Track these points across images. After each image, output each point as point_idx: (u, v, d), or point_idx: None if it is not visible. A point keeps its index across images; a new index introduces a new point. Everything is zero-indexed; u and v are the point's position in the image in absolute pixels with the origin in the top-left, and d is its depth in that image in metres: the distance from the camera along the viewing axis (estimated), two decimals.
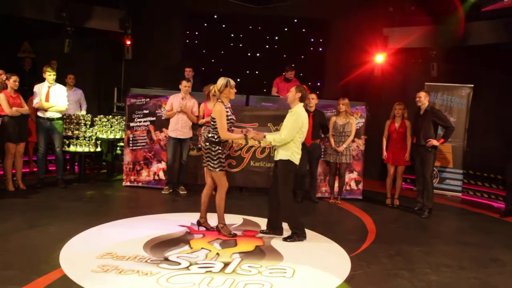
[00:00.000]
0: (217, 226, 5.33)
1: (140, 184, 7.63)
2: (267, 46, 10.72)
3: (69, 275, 3.90)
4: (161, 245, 4.79)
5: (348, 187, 7.72)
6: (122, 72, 10.69)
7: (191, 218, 5.71)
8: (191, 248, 4.78)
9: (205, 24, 10.81)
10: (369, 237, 5.66)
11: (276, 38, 10.69)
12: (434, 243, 5.65)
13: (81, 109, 8.61)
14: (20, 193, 6.70)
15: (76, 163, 8.33)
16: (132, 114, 7.59)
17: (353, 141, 7.32)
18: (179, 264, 4.30)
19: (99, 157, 8.76)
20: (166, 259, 4.40)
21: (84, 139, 7.77)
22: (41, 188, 7.00)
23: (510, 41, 8.15)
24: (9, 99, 6.56)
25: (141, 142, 7.61)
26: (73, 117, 7.81)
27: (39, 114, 7.01)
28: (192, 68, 8.69)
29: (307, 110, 7.07)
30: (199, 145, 7.22)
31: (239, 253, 4.72)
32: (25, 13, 8.89)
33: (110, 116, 8.33)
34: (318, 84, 10.58)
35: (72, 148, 7.72)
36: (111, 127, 8.15)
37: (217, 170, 5.15)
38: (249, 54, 10.77)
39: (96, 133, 8.02)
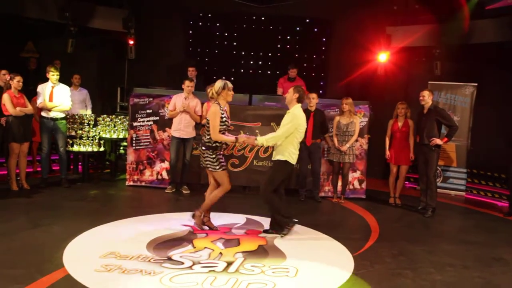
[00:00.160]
0: (194, 214, 5.41)
1: (143, 184, 7.64)
2: (270, 46, 10.71)
3: (72, 275, 3.91)
4: (164, 245, 4.79)
5: (351, 186, 7.71)
6: (125, 71, 10.70)
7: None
8: (194, 247, 4.79)
9: (208, 24, 10.81)
10: (372, 236, 5.65)
11: (279, 37, 10.68)
12: (438, 242, 5.63)
13: (86, 109, 8.64)
14: (24, 192, 6.73)
15: (80, 163, 8.36)
16: (135, 114, 7.60)
17: (356, 140, 7.31)
18: (182, 263, 4.30)
19: (102, 157, 8.77)
20: (169, 259, 4.40)
21: (88, 139, 7.79)
22: (44, 187, 7.03)
23: None
24: (13, 99, 6.58)
25: (144, 142, 7.62)
26: (76, 117, 7.83)
27: (43, 114, 7.03)
28: (195, 67, 8.69)
29: (307, 110, 7.12)
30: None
31: (242, 252, 4.72)
32: (28, 13, 8.91)
33: (114, 116, 8.34)
34: (321, 83, 10.56)
35: (75, 148, 7.74)
36: (115, 126, 8.17)
37: (219, 170, 5.19)
38: (252, 53, 10.77)
39: (99, 133, 8.03)
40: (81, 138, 7.77)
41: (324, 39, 10.63)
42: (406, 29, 9.53)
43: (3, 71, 7.06)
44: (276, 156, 5.28)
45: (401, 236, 5.79)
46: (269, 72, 10.58)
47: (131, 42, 9.94)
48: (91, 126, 7.91)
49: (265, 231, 5.47)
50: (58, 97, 7.03)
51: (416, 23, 9.48)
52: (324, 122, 7.28)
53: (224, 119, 5.17)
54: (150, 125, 7.60)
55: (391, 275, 4.40)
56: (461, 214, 7.54)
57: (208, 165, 5.23)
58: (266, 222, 5.67)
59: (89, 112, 8.53)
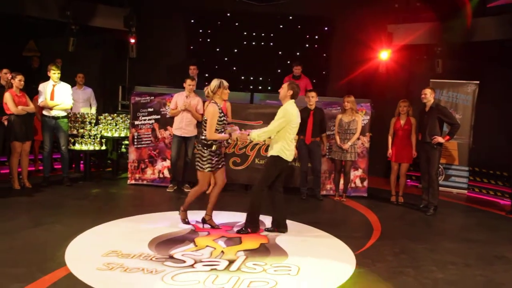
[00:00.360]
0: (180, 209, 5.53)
1: (145, 182, 7.65)
2: (271, 44, 10.70)
3: (74, 273, 3.92)
4: (166, 243, 4.80)
5: (353, 185, 7.71)
6: (126, 70, 10.70)
7: (196, 216, 5.72)
8: (196, 246, 4.79)
9: (209, 22, 10.80)
10: (374, 234, 5.65)
11: (280, 35, 10.66)
12: (440, 241, 5.62)
13: (91, 108, 8.65)
14: (26, 191, 6.74)
15: (82, 162, 8.36)
16: (137, 112, 7.61)
17: (358, 138, 7.29)
18: (184, 262, 4.30)
19: (104, 156, 8.78)
20: (171, 257, 4.41)
21: (89, 138, 7.80)
22: (46, 186, 7.04)
23: None
24: (14, 98, 6.59)
25: (146, 140, 7.62)
26: (78, 115, 7.84)
27: (44, 112, 7.04)
28: (197, 66, 8.69)
29: (307, 108, 7.11)
30: None
31: (244, 250, 4.72)
32: (29, 11, 8.91)
33: (115, 115, 8.35)
34: (323, 81, 10.54)
35: (77, 147, 7.75)
36: (116, 125, 8.17)
37: (206, 170, 5.21)
38: (253, 51, 10.75)
39: (101, 131, 8.04)
40: (82, 136, 7.77)
41: (325, 37, 10.61)
42: (407, 27, 9.50)
43: (5, 70, 7.06)
44: (270, 152, 5.31)
45: (403, 234, 5.78)
46: (269, 70, 10.56)
47: (132, 40, 9.93)
48: (93, 124, 7.92)
49: (267, 229, 5.47)
50: (59, 95, 7.03)
51: (418, 21, 9.45)
52: (323, 120, 7.26)
53: (222, 118, 5.18)
54: (152, 123, 7.60)
55: (393, 273, 4.40)
56: (463, 212, 7.52)
57: (197, 162, 5.26)
58: (267, 220, 5.66)
59: (93, 111, 8.54)
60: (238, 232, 5.31)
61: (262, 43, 10.69)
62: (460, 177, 8.69)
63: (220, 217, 5.71)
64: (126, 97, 10.04)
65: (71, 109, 7.39)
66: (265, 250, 4.82)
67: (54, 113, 7.03)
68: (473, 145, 8.65)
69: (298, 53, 10.51)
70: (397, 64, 9.72)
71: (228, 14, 10.68)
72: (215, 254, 4.56)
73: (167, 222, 5.55)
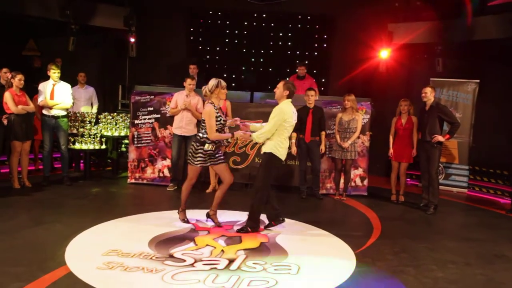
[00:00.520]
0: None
1: (145, 181, 7.65)
2: (271, 43, 10.71)
3: (74, 272, 3.92)
4: (166, 242, 4.80)
5: (353, 184, 7.70)
6: (126, 69, 10.70)
7: (196, 215, 5.72)
8: (196, 245, 4.79)
9: (209, 21, 10.81)
10: (374, 233, 5.65)
11: (280, 34, 10.67)
12: (440, 240, 5.62)
13: (92, 107, 8.64)
14: (26, 190, 6.74)
15: (82, 161, 8.36)
16: (137, 112, 7.61)
17: (358, 137, 7.28)
18: (184, 261, 4.30)
19: (104, 155, 8.78)
20: (171, 256, 4.41)
21: (89, 137, 7.80)
22: (46, 185, 7.04)
23: None
24: (14, 97, 6.59)
25: (146, 140, 7.62)
26: (78, 114, 7.84)
27: (44, 112, 7.04)
28: (197, 65, 8.68)
29: (306, 107, 7.10)
30: None
31: (244, 250, 4.72)
32: (29, 11, 8.90)
33: (115, 114, 8.35)
34: (323, 80, 10.54)
35: (77, 146, 7.75)
36: (116, 124, 8.17)
37: (197, 165, 5.30)
38: (253, 50, 10.76)
39: (101, 131, 8.04)
40: (82, 136, 7.77)
41: (325, 36, 10.61)
42: (407, 25, 9.49)
43: (4, 69, 7.06)
44: (263, 149, 5.29)
45: (403, 233, 5.78)
46: (270, 69, 10.56)
47: (132, 40, 9.93)
48: (93, 124, 7.92)
49: (266, 227, 5.47)
50: (59, 95, 7.03)
51: (418, 19, 9.43)
52: (322, 119, 7.24)
53: (219, 118, 5.19)
54: (152, 122, 7.60)
55: (393, 272, 4.40)
56: (463, 211, 7.52)
57: (189, 156, 5.36)
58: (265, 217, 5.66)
59: (94, 110, 8.53)
60: (238, 231, 5.31)
61: (263, 42, 10.68)
62: (460, 176, 8.68)
63: (221, 216, 5.70)
64: (126, 96, 10.04)
65: (72, 108, 7.39)
66: (265, 249, 4.82)
67: (54, 112, 7.02)
68: (473, 144, 8.64)
69: (298, 52, 10.51)
70: (397, 63, 9.71)
71: (229, 13, 10.68)
72: (215, 253, 4.57)
73: (167, 221, 5.55)
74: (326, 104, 7.64)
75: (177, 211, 5.60)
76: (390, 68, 9.70)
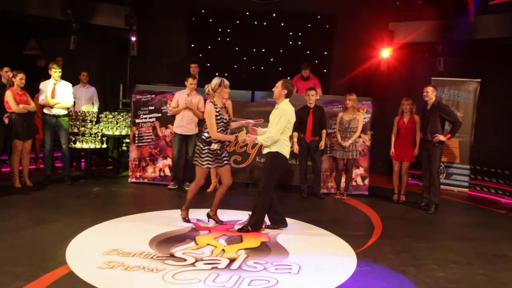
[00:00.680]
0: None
1: (146, 181, 7.65)
2: (272, 42, 10.68)
3: (75, 272, 3.92)
4: (167, 242, 4.80)
5: (354, 183, 7.69)
6: (127, 68, 10.70)
7: (197, 214, 5.72)
8: (197, 244, 4.79)
9: (210, 20, 10.79)
10: (375, 233, 5.64)
11: (281, 33, 10.64)
12: (441, 239, 5.62)
13: (93, 106, 8.64)
14: (27, 190, 6.74)
15: (82, 160, 8.36)
16: (138, 111, 7.60)
17: (359, 136, 7.27)
18: (185, 260, 4.30)
19: (105, 154, 8.78)
20: (172, 256, 4.40)
21: (90, 136, 7.80)
22: (47, 185, 7.04)
23: None
24: (15, 96, 6.59)
25: (147, 139, 7.62)
26: (79, 113, 7.84)
27: (45, 111, 7.04)
28: (198, 64, 8.68)
29: (307, 107, 7.09)
30: None
31: (245, 249, 4.72)
32: (30, 10, 8.91)
33: (116, 113, 8.34)
34: (324, 79, 10.52)
35: (78, 145, 7.75)
36: (117, 123, 8.17)
37: (204, 166, 5.28)
38: (254, 49, 10.74)
39: (102, 130, 8.04)
40: (83, 135, 7.77)
41: (326, 35, 10.58)
42: (409, 25, 9.48)
43: (5, 68, 7.07)
44: (267, 148, 5.23)
45: (404, 232, 5.77)
46: (271, 68, 10.54)
47: (133, 39, 9.93)
48: (94, 123, 7.92)
49: (267, 227, 5.46)
50: (60, 94, 7.03)
51: (419, 18, 9.43)
52: (323, 118, 7.23)
53: (220, 117, 5.17)
54: (153, 121, 7.60)
55: (394, 271, 4.39)
56: (464, 211, 7.51)
57: (196, 157, 5.33)
58: (268, 218, 5.65)
59: (95, 109, 8.54)
60: (239, 230, 5.30)
61: (264, 42, 10.67)
62: (462, 175, 8.67)
63: (221, 215, 5.70)
64: (127, 95, 10.03)
65: (73, 107, 7.39)
66: (266, 248, 4.81)
67: (54, 111, 7.02)
68: (475, 143, 8.63)
69: (298, 51, 10.49)
70: (399, 62, 9.70)
71: (229, 12, 10.66)
72: (216, 253, 4.56)
73: (168, 220, 5.55)
74: (327, 103, 7.63)
75: (178, 210, 5.61)
76: (391, 67, 9.68)
